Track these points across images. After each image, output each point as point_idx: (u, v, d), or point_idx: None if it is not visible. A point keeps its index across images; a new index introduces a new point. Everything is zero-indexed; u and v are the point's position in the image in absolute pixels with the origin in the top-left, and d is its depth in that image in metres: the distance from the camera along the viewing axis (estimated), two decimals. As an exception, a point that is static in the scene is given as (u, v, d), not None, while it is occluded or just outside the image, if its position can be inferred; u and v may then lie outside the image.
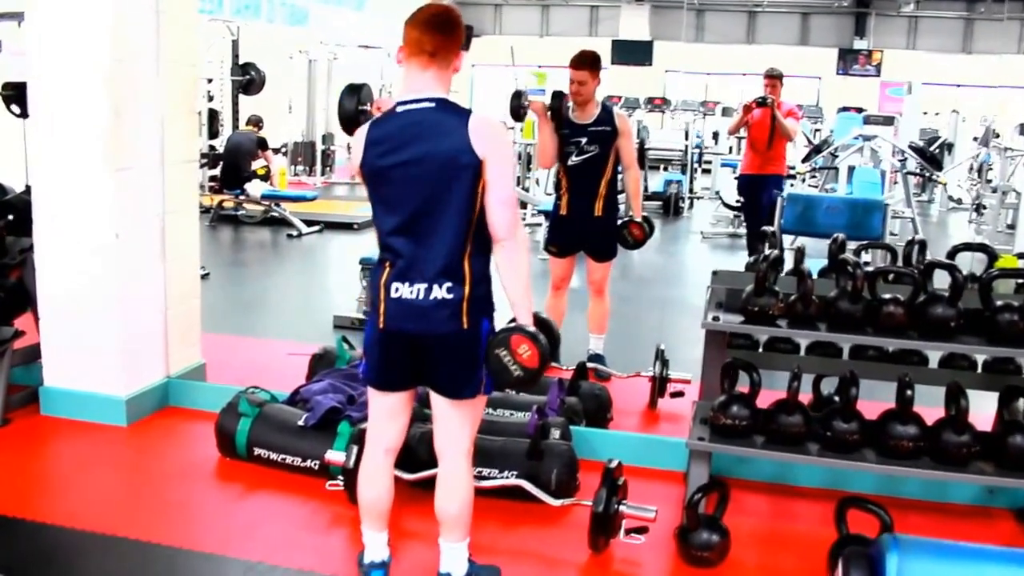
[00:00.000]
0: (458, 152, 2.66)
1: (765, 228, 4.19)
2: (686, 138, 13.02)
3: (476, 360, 2.77)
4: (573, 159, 5.16)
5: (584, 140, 5.11)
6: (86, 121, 4.22)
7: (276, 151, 11.20)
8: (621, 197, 5.95)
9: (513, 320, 2.76)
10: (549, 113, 5.14)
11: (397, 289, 2.74)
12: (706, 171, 14.78)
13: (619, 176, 5.35)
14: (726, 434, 3.49)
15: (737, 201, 11.03)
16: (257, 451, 4.01)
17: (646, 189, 12.78)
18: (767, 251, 3.79)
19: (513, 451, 3.79)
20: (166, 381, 4.68)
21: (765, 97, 7.80)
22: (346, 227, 10.75)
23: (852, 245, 3.93)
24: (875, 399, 3.62)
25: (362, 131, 2.82)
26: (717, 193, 11.80)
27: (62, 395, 4.47)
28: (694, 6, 21.95)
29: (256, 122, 11.20)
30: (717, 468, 3.90)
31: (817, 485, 3.95)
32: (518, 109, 5.16)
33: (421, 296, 2.72)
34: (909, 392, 3.34)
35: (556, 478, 3.71)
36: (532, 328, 2.72)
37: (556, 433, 3.99)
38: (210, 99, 11.65)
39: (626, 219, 5.30)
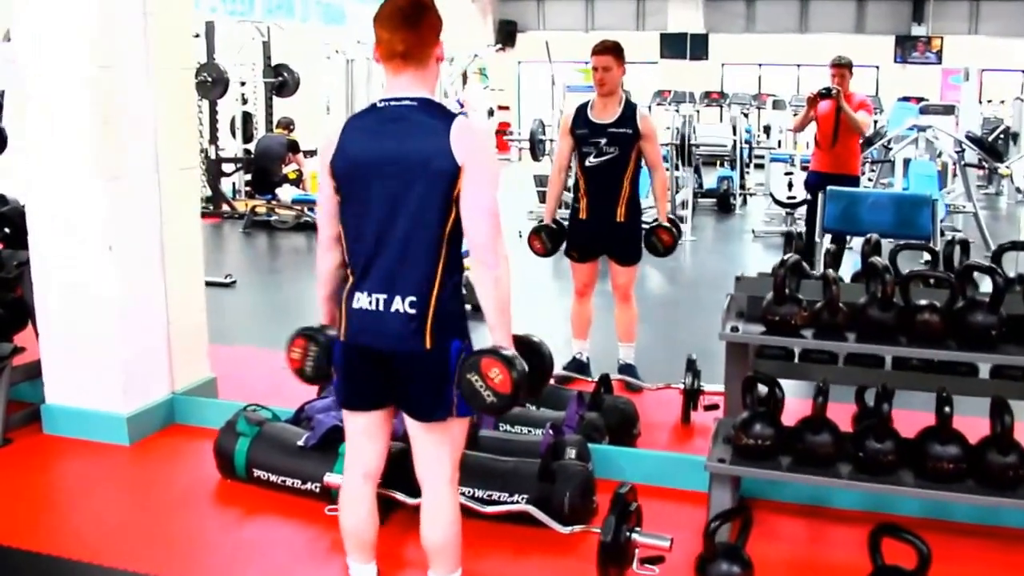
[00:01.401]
0: (436, 155, 2.44)
1: (790, 229, 3.88)
2: (734, 133, 12.61)
3: (444, 382, 2.53)
4: (591, 160, 4.88)
5: (604, 141, 4.84)
6: (74, 131, 4.07)
7: (308, 154, 11.02)
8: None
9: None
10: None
11: (358, 299, 2.53)
12: (759, 166, 14.37)
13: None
14: (749, 455, 3.20)
15: (789, 198, 10.66)
16: (257, 473, 3.81)
17: (700, 187, 12.46)
18: (791, 254, 3.51)
19: (524, 472, 3.54)
20: (171, 397, 4.50)
21: (830, 87, 6.93)
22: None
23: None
24: (928, 409, 3.28)
25: (336, 127, 2.60)
26: (770, 194, 11.35)
27: (64, 413, 4.33)
28: (744, -5, 21.48)
29: (286, 125, 11.06)
30: (746, 489, 3.62)
31: (855, 507, 3.62)
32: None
33: (380, 307, 2.50)
34: (948, 408, 3.02)
35: (569, 502, 3.45)
36: (507, 350, 2.48)
37: (572, 452, 3.74)
38: (244, 102, 11.55)
39: (653, 224, 5.01)
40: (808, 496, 3.67)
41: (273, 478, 3.76)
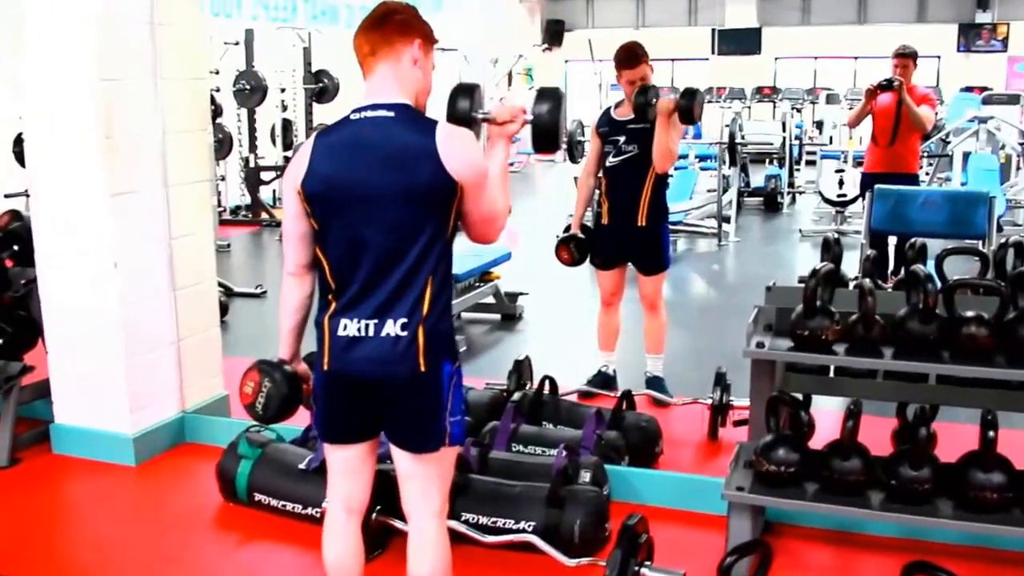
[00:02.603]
0: (426, 174, 2.25)
1: (828, 235, 3.60)
2: (783, 129, 12.24)
3: (438, 408, 2.34)
4: (611, 160, 4.65)
5: (622, 139, 4.60)
6: (77, 145, 3.94)
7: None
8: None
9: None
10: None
11: (345, 327, 2.33)
12: (811, 163, 13.98)
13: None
14: (770, 482, 2.96)
15: (840, 196, 10.29)
16: (258, 497, 3.65)
17: (747, 185, 12.11)
18: (824, 263, 3.25)
19: (532, 498, 3.33)
20: (181, 416, 4.37)
21: (891, 79, 6.37)
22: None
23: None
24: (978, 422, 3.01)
25: (307, 144, 2.42)
26: (819, 192, 10.98)
27: (71, 432, 4.22)
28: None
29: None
30: (772, 513, 3.37)
31: (889, 535, 3.33)
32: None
33: (371, 333, 2.30)
34: (992, 432, 2.75)
35: (579, 529, 3.23)
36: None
37: (586, 475, 3.53)
38: (284, 109, 11.47)
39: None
40: (839, 522, 3.39)
41: (274, 502, 3.60)
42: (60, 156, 4.01)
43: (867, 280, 3.06)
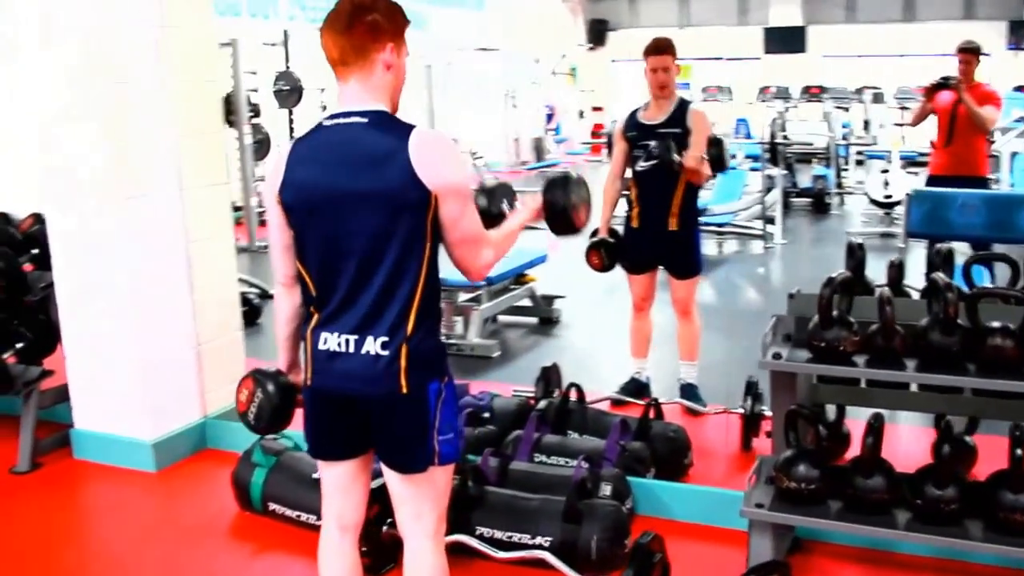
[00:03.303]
0: (399, 184, 2.15)
1: (852, 240, 3.47)
2: (829, 129, 11.99)
3: (424, 428, 2.25)
4: (641, 164, 4.54)
5: (652, 143, 4.49)
6: (88, 149, 3.94)
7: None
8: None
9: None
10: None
11: (325, 340, 2.26)
12: (860, 163, 13.71)
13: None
14: (791, 499, 2.84)
15: (886, 197, 10.06)
16: (272, 506, 3.60)
17: (795, 186, 11.89)
18: (842, 271, 3.13)
19: (549, 512, 3.24)
20: (203, 422, 4.34)
21: (949, 77, 6.05)
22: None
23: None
24: None
25: (283, 151, 2.33)
26: (866, 193, 10.74)
27: (91, 438, 4.22)
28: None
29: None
30: (801, 530, 3.24)
31: (922, 554, 3.19)
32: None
33: (351, 349, 2.22)
34: (1020, 450, 2.61)
35: (596, 545, 3.13)
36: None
37: (607, 488, 3.43)
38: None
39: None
40: (870, 541, 3.24)
41: (288, 512, 3.55)
42: (72, 160, 4.00)
43: (886, 289, 2.93)
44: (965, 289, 3.05)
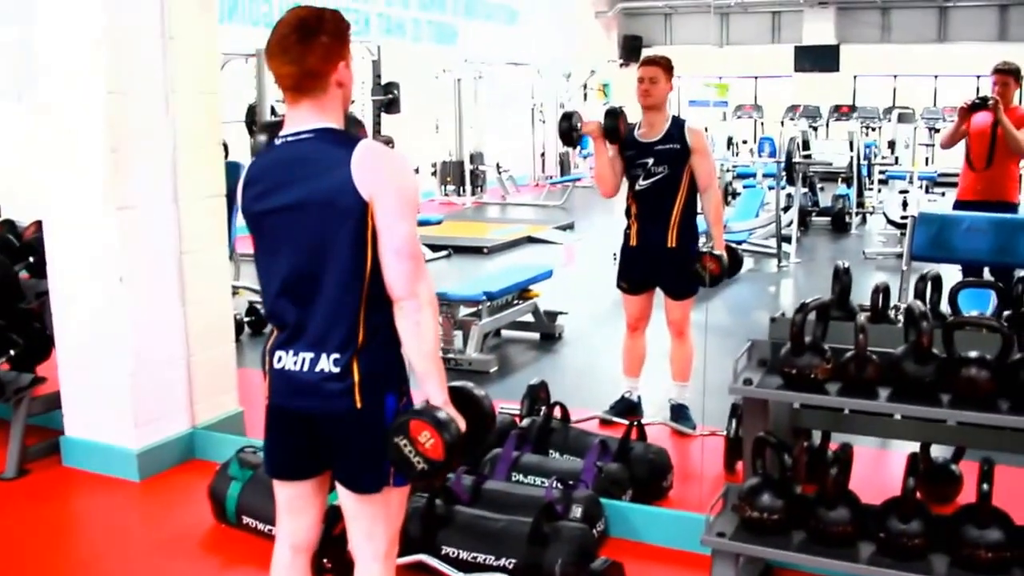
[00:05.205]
0: (338, 193, 2.13)
1: (839, 264, 3.42)
2: (851, 148, 11.89)
3: (378, 446, 2.22)
4: (641, 183, 4.53)
5: (651, 161, 4.47)
6: (84, 158, 3.97)
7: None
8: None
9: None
10: (605, 135, 4.52)
11: (280, 359, 2.26)
12: (884, 183, 13.58)
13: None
14: (754, 529, 2.79)
15: (903, 217, 9.92)
16: (246, 519, 3.60)
17: (816, 205, 11.80)
18: (829, 295, 3.09)
19: (514, 534, 3.21)
20: (191, 432, 4.36)
21: (986, 97, 5.80)
22: (475, 251, 10.34)
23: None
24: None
25: (247, 168, 2.35)
26: (883, 213, 10.62)
27: (80, 445, 4.25)
28: (876, 3, 20.37)
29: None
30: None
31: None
32: (569, 132, 4.62)
33: (305, 368, 2.22)
34: (986, 485, 2.55)
35: (560, 570, 3.09)
36: (441, 411, 2.16)
37: (578, 510, 3.39)
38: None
39: (703, 250, 4.59)
40: (837, 573, 3.18)
41: (260, 526, 3.55)
42: (68, 168, 4.04)
43: (862, 316, 2.88)
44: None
